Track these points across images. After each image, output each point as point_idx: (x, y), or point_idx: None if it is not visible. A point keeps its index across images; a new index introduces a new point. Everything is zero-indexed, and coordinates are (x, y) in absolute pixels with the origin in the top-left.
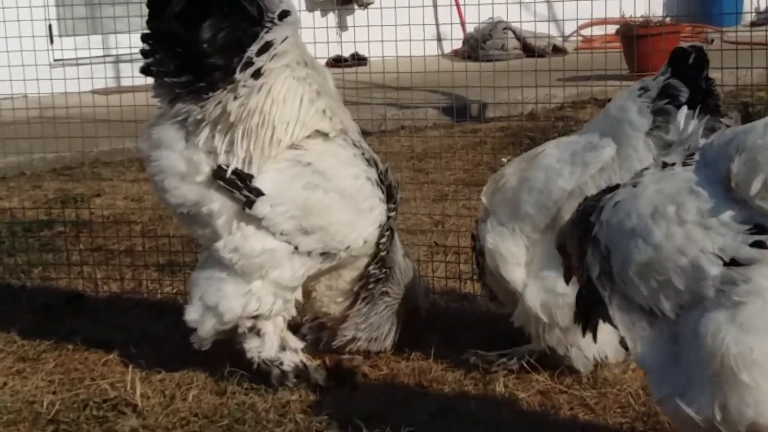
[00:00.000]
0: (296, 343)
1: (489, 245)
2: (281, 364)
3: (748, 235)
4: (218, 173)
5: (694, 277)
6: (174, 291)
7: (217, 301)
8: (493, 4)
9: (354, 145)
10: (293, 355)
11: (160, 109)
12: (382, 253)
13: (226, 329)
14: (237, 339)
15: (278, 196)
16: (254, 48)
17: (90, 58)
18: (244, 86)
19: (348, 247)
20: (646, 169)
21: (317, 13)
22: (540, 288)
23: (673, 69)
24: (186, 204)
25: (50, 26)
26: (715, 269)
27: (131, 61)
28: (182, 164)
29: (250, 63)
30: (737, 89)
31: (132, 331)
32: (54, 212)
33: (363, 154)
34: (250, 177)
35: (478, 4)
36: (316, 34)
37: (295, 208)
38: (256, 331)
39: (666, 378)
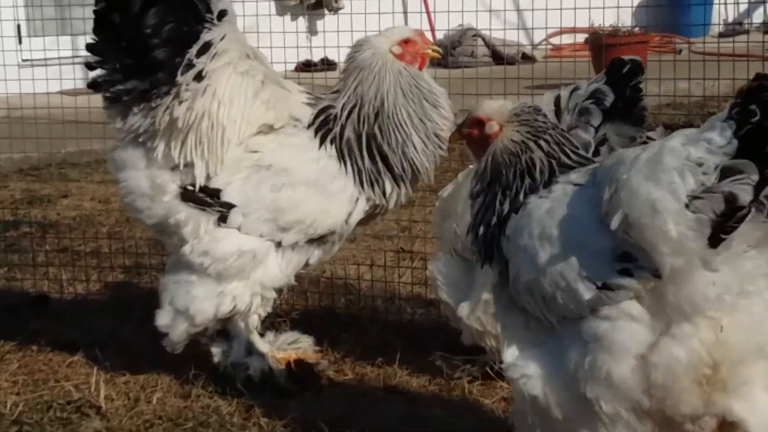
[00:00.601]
0: (263, 346)
1: (428, 272)
2: (247, 368)
3: (617, 263)
4: (186, 195)
5: (572, 298)
6: (139, 293)
7: (187, 305)
8: (463, 11)
9: (307, 126)
10: (259, 359)
11: (117, 131)
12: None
13: (198, 331)
14: (204, 341)
15: (248, 204)
16: (194, 49)
17: (59, 58)
18: (187, 89)
19: (332, 230)
20: (557, 183)
21: (287, 17)
22: (471, 300)
23: (608, 77)
24: (159, 221)
25: (18, 26)
26: (588, 293)
27: None
28: (147, 183)
29: (190, 65)
30: (704, 100)
31: (97, 333)
32: (20, 213)
33: (316, 130)
34: (218, 191)
35: (448, 12)
36: (286, 39)
37: (267, 212)
38: (224, 335)
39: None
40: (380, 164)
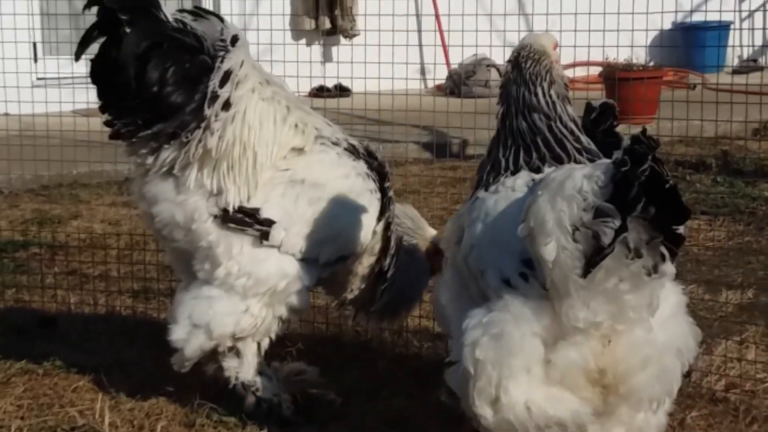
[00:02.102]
0: (270, 373)
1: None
2: (257, 390)
3: (520, 265)
4: (226, 217)
5: (483, 281)
6: (147, 318)
7: (208, 319)
8: (477, 44)
9: (333, 143)
10: (268, 382)
11: (143, 165)
12: (390, 233)
13: (210, 348)
14: (213, 360)
15: (288, 219)
16: (215, 80)
17: (72, 78)
18: (216, 119)
19: (361, 244)
20: (507, 177)
21: (302, 42)
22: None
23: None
24: (197, 247)
25: (35, 45)
26: (494, 282)
27: None
28: (182, 214)
29: (215, 96)
30: (716, 137)
31: (103, 357)
32: (30, 233)
33: (345, 149)
34: (257, 210)
35: (462, 44)
36: (300, 64)
37: (307, 226)
38: (235, 351)
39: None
40: None
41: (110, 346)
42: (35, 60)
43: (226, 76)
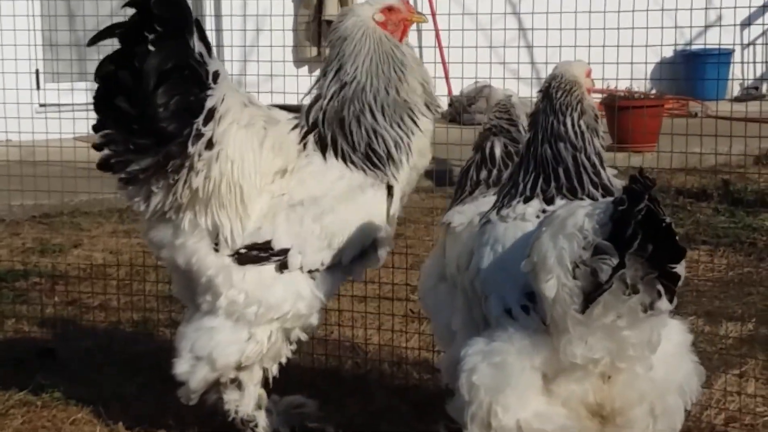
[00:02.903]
0: (270, 406)
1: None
2: (255, 426)
3: (523, 297)
4: (242, 258)
5: (486, 308)
6: (147, 349)
7: (210, 350)
8: (476, 77)
9: (314, 149)
10: (267, 417)
11: (137, 209)
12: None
13: (214, 379)
14: (215, 390)
15: (301, 241)
16: (200, 119)
17: (72, 105)
18: (200, 159)
19: (380, 231)
20: (519, 204)
21: (303, 72)
22: None
23: None
24: (209, 285)
25: (37, 73)
26: (497, 311)
27: None
28: (184, 257)
29: (200, 135)
30: (717, 165)
31: (102, 389)
32: (31, 262)
33: (324, 149)
34: (269, 242)
35: (462, 77)
36: (301, 95)
37: (319, 241)
38: (237, 384)
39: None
40: (371, 140)
41: (109, 377)
42: (38, 88)
43: (210, 114)
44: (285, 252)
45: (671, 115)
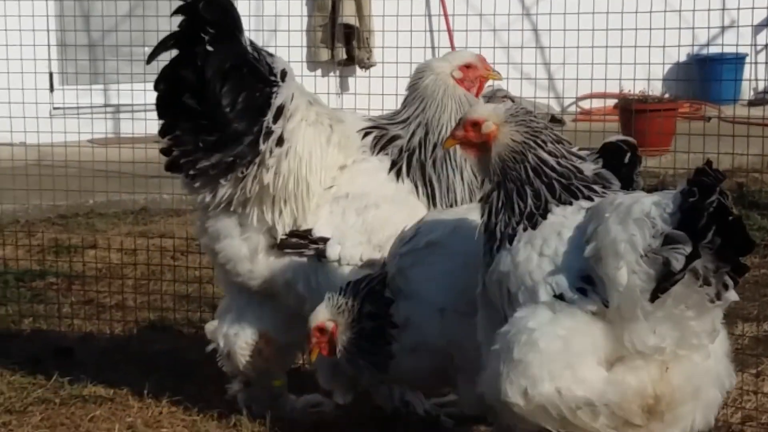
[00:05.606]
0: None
1: None
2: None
3: (578, 281)
4: (282, 244)
5: (530, 298)
6: (163, 348)
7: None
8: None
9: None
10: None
11: (201, 201)
12: None
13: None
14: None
15: (341, 232)
16: (269, 116)
17: (91, 107)
18: (271, 156)
19: None
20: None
21: (318, 73)
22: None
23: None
24: (263, 280)
25: (51, 75)
26: (545, 297)
27: (131, 111)
28: (246, 248)
29: (270, 132)
30: (732, 168)
31: (120, 387)
32: (47, 262)
33: (379, 152)
34: (309, 231)
35: None
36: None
37: (359, 234)
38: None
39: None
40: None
41: (126, 375)
42: (51, 90)
43: (279, 111)
44: (324, 241)
45: (686, 118)
